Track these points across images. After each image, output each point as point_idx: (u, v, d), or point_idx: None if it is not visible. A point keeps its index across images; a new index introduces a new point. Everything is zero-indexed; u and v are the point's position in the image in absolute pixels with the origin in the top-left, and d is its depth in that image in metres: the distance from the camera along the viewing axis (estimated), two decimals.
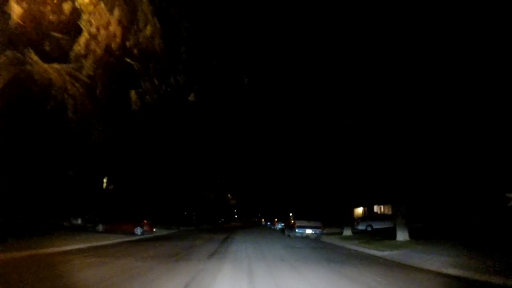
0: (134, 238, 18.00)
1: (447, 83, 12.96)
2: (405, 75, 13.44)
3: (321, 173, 38.72)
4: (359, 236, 20.92)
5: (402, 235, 15.54)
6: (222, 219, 61.78)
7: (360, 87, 15.00)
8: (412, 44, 12.50)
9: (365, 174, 24.69)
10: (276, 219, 36.45)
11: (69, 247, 12.06)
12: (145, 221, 20.39)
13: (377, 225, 27.91)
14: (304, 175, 43.52)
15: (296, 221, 19.37)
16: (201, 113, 14.16)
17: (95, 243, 13.95)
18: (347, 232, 22.31)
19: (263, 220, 58.77)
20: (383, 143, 15.01)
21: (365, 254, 12.82)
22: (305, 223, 19.32)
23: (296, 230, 19.24)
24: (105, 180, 35.58)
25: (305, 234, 19.44)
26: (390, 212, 32.42)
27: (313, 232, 19.29)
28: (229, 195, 68.36)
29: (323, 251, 13.31)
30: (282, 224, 34.25)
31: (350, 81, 15.16)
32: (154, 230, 20.99)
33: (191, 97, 11.93)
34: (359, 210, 40.58)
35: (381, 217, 30.64)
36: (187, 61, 11.61)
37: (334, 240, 18.84)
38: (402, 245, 14.37)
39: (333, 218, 31.12)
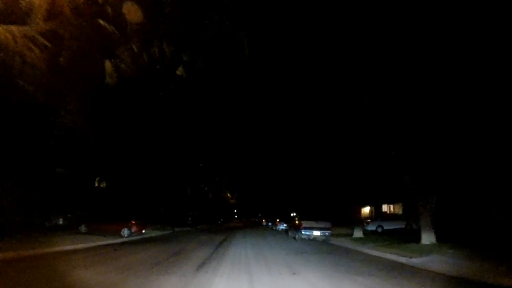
0: (118, 240, 15.81)
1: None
2: (430, 51, 11.25)
3: (326, 170, 36.65)
4: (372, 237, 18.73)
5: (428, 237, 13.32)
6: (221, 219, 59.59)
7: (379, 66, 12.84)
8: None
9: (374, 170, 22.65)
10: (278, 219, 34.26)
11: (32, 252, 9.95)
12: (133, 221, 18.17)
13: (388, 226, 25.84)
14: (307, 172, 41.40)
15: (302, 222, 17.17)
16: (192, 93, 11.92)
17: (67, 247, 11.77)
18: (358, 233, 20.10)
19: (264, 220, 56.48)
20: (406, 128, 12.74)
21: (391, 261, 10.61)
22: (312, 223, 17.12)
23: (303, 232, 17.03)
24: (97, 178, 33.59)
25: (312, 236, 17.23)
26: (401, 212, 30.27)
27: (321, 233, 17.09)
28: (228, 194, 66.18)
29: (339, 257, 11.10)
30: (285, 225, 32.01)
31: (363, 62, 13.03)
32: (144, 231, 18.77)
33: (179, 71, 9.72)
34: (366, 210, 38.40)
35: (391, 217, 28.47)
36: (174, 26, 9.43)
37: (345, 243, 16.64)
38: (431, 249, 12.18)
39: (338, 217, 29.01)
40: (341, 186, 35.46)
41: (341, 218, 28.76)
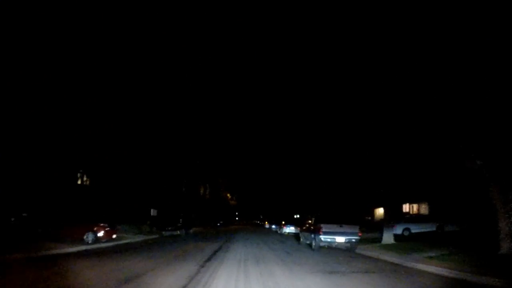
0: (75, 249, 11.67)
1: None
2: None
3: (336, 167, 32.64)
4: (406, 244, 14.54)
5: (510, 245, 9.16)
6: (221, 221, 55.24)
7: None
8: None
9: (394, 165, 19.28)
10: (283, 222, 30.04)
11: None
12: (100, 224, 14.06)
13: (415, 229, 21.88)
14: (313, 170, 37.31)
15: (321, 225, 12.95)
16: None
17: None
18: (388, 238, 15.92)
19: (266, 222, 52.10)
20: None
21: (480, 286, 6.44)
22: (334, 227, 12.92)
23: (322, 238, 12.80)
24: (79, 173, 29.66)
25: (335, 244, 13.05)
26: (425, 212, 26.05)
27: (346, 240, 12.90)
28: (228, 195, 61.85)
29: (393, 281, 6.94)
30: (292, 228, 27.70)
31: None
32: (114, 236, 14.60)
33: None
34: (381, 211, 34.15)
35: (417, 218, 24.28)
36: None
37: (377, 252, 12.46)
38: None
39: (351, 219, 25.06)
40: (354, 184, 31.40)
41: (354, 220, 24.77)
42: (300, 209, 46.92)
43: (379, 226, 21.23)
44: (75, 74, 20.20)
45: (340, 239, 12.87)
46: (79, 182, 28.75)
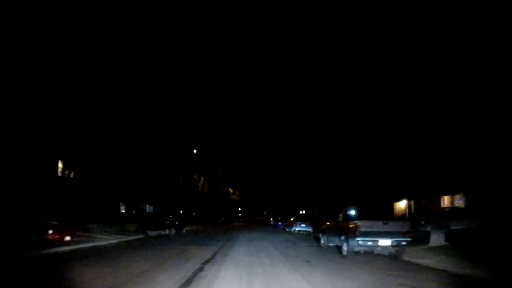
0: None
1: None
2: None
3: (350, 155, 29.11)
4: (464, 246, 10.69)
5: None
6: (222, 218, 51.48)
7: None
8: None
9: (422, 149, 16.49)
10: (292, 218, 26.18)
11: None
12: (50, 223, 10.31)
13: (454, 226, 17.88)
14: (323, 159, 33.67)
15: (359, 223, 8.93)
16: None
17: None
18: (438, 238, 12.05)
19: (271, 219, 48.23)
20: None
21: None
22: (376, 225, 8.99)
23: (359, 241, 8.82)
24: (60, 165, 26.06)
25: (378, 249, 9.18)
26: (462, 205, 22.10)
27: (393, 243, 9.00)
28: (230, 190, 57.95)
29: None
30: (303, 225, 23.75)
31: None
32: (68, 239, 10.75)
33: None
34: (401, 205, 30.33)
35: (455, 212, 20.20)
36: None
37: (437, 261, 8.64)
38: None
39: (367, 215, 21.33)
40: (370, 175, 27.61)
41: (371, 216, 21.12)
42: (306, 204, 43.28)
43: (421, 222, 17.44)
44: (62, 62, 18.01)
45: (385, 242, 8.95)
46: (59, 174, 25.11)
